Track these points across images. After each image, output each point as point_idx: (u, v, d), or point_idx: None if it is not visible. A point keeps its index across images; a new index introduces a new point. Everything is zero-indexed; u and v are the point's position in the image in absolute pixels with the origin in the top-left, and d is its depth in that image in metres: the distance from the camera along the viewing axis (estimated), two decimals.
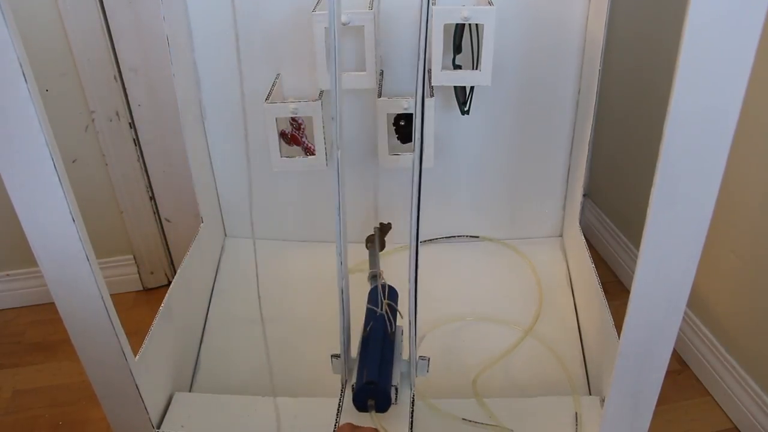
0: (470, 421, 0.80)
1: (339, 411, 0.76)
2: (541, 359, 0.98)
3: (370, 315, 0.82)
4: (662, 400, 0.66)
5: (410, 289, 0.72)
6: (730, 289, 1.13)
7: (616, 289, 1.47)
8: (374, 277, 0.92)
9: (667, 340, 0.62)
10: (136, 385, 0.70)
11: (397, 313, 0.83)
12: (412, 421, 0.75)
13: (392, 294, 0.86)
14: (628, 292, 0.59)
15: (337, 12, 0.57)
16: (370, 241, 1.04)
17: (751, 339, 1.09)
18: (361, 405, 0.73)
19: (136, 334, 0.77)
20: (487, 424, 0.79)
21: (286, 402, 0.84)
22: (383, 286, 0.84)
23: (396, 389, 0.74)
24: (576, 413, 0.81)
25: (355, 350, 0.80)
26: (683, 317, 1.16)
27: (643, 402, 0.67)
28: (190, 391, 0.95)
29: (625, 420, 0.68)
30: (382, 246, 1.02)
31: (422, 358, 0.78)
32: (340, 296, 0.73)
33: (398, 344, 0.80)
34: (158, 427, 0.78)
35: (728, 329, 1.15)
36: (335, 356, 0.78)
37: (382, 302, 0.81)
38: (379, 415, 0.73)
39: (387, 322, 0.80)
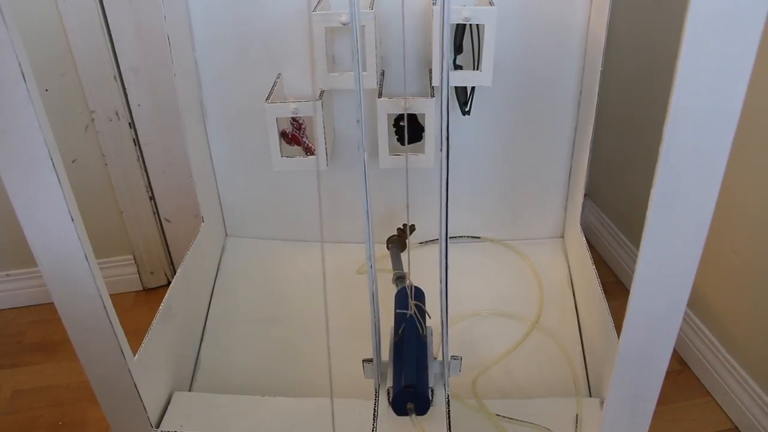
0: (505, 417, 0.80)
1: (375, 416, 0.76)
2: (541, 360, 0.98)
3: (400, 317, 0.82)
4: (662, 400, 0.66)
5: (441, 290, 0.71)
6: (730, 289, 1.13)
7: (616, 289, 1.47)
8: (400, 278, 0.92)
9: (667, 340, 0.62)
10: (135, 384, 0.70)
11: (426, 314, 0.82)
12: (449, 421, 0.75)
13: (419, 295, 0.85)
14: (628, 292, 0.59)
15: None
16: (391, 242, 1.04)
17: (751, 339, 1.09)
18: (400, 409, 0.73)
19: (136, 334, 0.77)
20: (523, 422, 0.79)
21: (286, 402, 0.84)
22: (411, 287, 0.83)
23: (432, 390, 0.75)
24: (576, 415, 0.81)
25: (385, 354, 0.79)
26: (684, 317, 1.16)
27: (642, 404, 0.66)
28: (189, 390, 0.95)
29: (625, 422, 0.68)
30: (404, 246, 1.02)
31: (454, 357, 0.77)
32: (371, 300, 0.72)
33: (430, 345, 0.80)
34: (157, 427, 0.78)
35: (728, 329, 1.15)
36: (367, 361, 0.77)
37: (411, 303, 0.81)
38: (418, 418, 0.73)
39: (418, 324, 0.79)
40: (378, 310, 0.74)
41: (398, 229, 1.06)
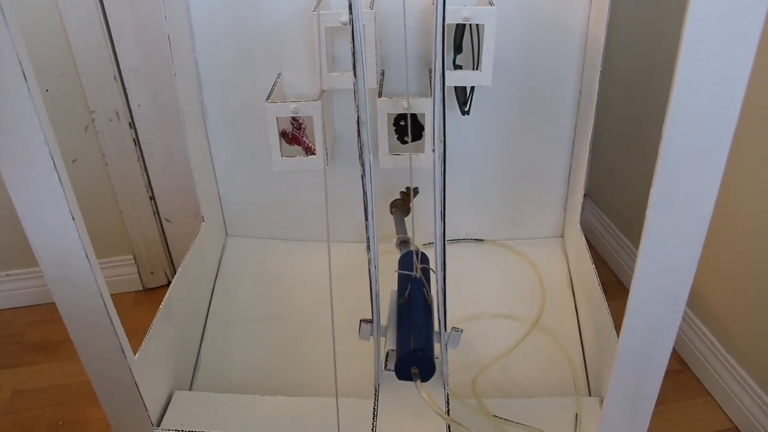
0: (501, 418, 0.80)
1: (375, 415, 0.75)
2: (541, 360, 0.98)
3: (405, 279, 0.78)
4: (662, 400, 0.66)
5: (438, 287, 0.70)
6: (730, 289, 1.13)
7: (616, 289, 1.47)
8: (404, 242, 0.89)
9: (666, 340, 0.62)
10: (136, 383, 0.70)
11: (430, 272, 0.78)
12: (447, 394, 0.74)
13: (424, 260, 0.82)
14: (628, 292, 0.59)
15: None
16: (395, 206, 1.02)
17: (751, 339, 1.09)
18: (404, 373, 0.69)
19: (136, 334, 0.77)
20: (518, 424, 0.78)
21: (286, 401, 0.84)
22: (417, 252, 0.80)
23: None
24: (576, 414, 0.81)
25: (384, 318, 0.76)
26: (683, 317, 1.16)
27: (642, 402, 0.67)
28: (190, 389, 0.95)
29: (624, 420, 0.68)
30: (408, 211, 0.99)
31: (455, 329, 0.74)
32: (372, 300, 0.72)
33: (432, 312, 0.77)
34: (158, 425, 0.79)
35: (728, 329, 1.15)
36: (366, 321, 0.73)
37: (417, 266, 0.77)
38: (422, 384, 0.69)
39: (425, 288, 0.76)
40: (378, 309, 0.74)
41: (401, 192, 1.04)
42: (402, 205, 1.01)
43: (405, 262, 0.83)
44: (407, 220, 1.04)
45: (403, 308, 0.76)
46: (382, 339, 0.76)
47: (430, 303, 0.76)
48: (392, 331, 0.74)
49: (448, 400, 0.77)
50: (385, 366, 0.72)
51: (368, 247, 0.69)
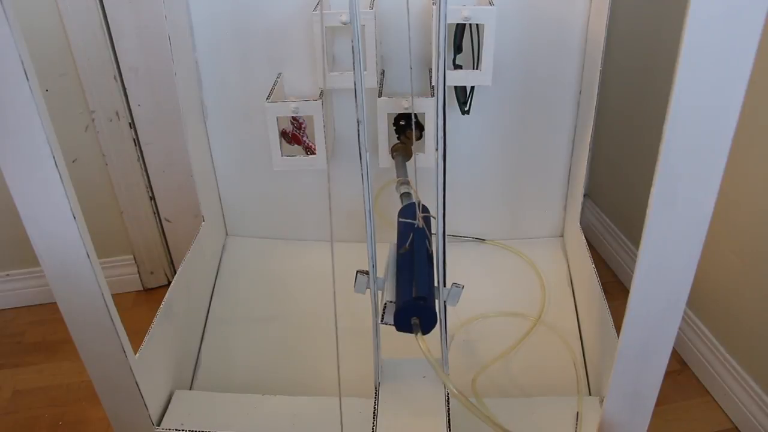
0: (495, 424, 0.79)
1: (375, 414, 0.74)
2: (541, 359, 0.98)
3: (407, 229, 0.75)
4: (662, 400, 0.66)
5: (439, 282, 0.70)
6: (730, 289, 1.13)
7: (616, 289, 1.47)
8: (406, 192, 0.88)
9: (666, 339, 0.62)
10: (137, 382, 0.70)
11: (431, 220, 0.76)
12: (449, 419, 0.73)
13: (425, 212, 0.79)
14: (628, 292, 0.60)
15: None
16: (395, 150, 1.00)
17: (751, 339, 1.09)
18: (404, 324, 0.66)
19: (136, 334, 0.77)
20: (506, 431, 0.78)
21: (286, 401, 0.84)
22: (419, 203, 0.77)
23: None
24: (577, 413, 0.81)
25: (381, 269, 0.73)
26: (683, 317, 1.16)
27: (642, 402, 0.67)
28: (190, 389, 0.95)
29: (624, 420, 0.68)
30: (409, 155, 0.98)
31: (456, 285, 0.70)
32: (373, 299, 0.71)
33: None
34: (158, 425, 0.79)
35: (728, 329, 1.15)
36: (363, 272, 0.69)
37: (419, 215, 0.75)
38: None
39: (428, 240, 0.73)
40: (379, 306, 0.74)
41: (401, 136, 1.02)
42: (403, 149, 0.99)
43: (406, 213, 0.80)
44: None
45: (404, 258, 0.72)
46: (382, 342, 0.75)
47: (432, 256, 0.73)
48: (390, 283, 0.71)
49: (448, 398, 0.77)
50: (382, 319, 0.68)
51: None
